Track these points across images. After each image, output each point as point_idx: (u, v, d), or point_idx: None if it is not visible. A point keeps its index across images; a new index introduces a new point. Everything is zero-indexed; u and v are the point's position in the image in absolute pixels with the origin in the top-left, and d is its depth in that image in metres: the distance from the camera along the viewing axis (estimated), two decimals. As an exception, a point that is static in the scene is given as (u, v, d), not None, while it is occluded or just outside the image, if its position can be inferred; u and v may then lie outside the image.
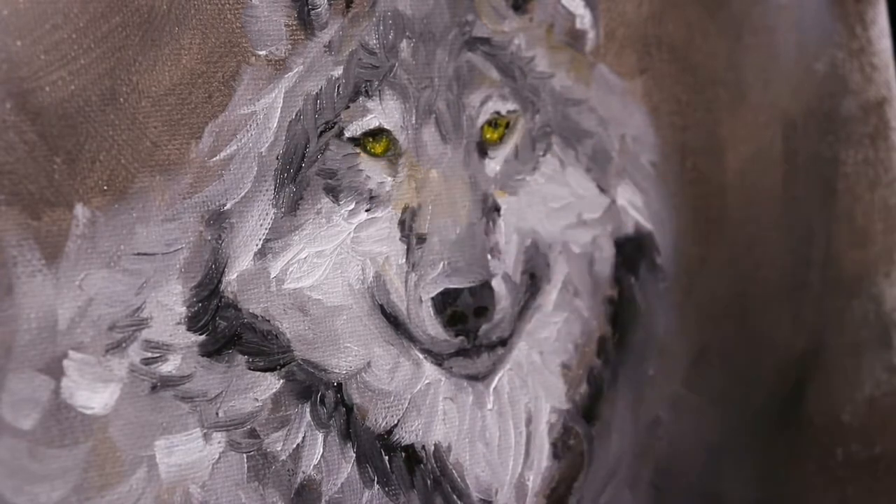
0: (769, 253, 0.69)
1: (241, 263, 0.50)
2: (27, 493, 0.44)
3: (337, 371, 0.52)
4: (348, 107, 0.53)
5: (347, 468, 0.52)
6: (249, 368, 0.50)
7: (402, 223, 0.55)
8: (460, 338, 0.56)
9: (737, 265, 0.67)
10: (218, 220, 0.49)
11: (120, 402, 0.46)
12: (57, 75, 0.45)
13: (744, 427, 0.67)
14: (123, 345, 0.47)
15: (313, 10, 0.52)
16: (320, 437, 0.52)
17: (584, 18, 0.62)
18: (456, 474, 0.56)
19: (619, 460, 0.61)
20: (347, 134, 0.53)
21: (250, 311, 0.50)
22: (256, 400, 0.50)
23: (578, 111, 0.61)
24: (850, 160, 0.74)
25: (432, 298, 0.54)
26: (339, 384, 0.53)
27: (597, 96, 0.62)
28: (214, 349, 0.49)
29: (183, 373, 0.48)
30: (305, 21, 0.52)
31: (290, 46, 0.52)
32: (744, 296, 0.68)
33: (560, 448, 0.60)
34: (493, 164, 0.57)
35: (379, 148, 0.54)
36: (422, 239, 0.55)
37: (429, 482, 0.55)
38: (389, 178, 0.55)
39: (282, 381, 0.51)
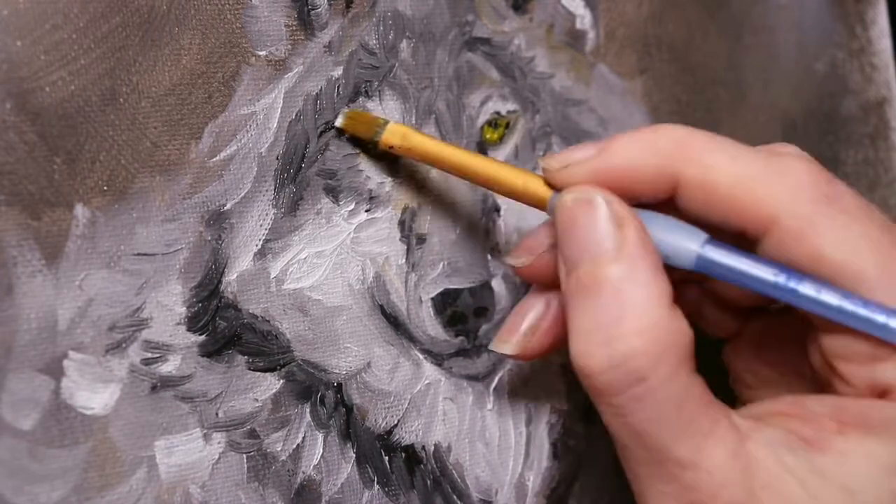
0: (769, 253, 0.69)
1: (241, 264, 0.50)
2: (27, 493, 0.44)
3: (337, 371, 0.52)
4: (348, 107, 0.53)
5: (347, 468, 0.52)
6: (249, 369, 0.50)
7: (402, 223, 0.55)
8: (460, 338, 0.56)
9: (737, 265, 0.67)
10: (218, 221, 0.49)
11: (120, 402, 0.46)
12: (57, 75, 0.45)
13: (744, 427, 0.67)
14: (123, 345, 0.47)
15: (313, 10, 0.52)
16: (320, 437, 0.52)
17: (584, 18, 0.62)
18: (456, 474, 0.56)
19: (619, 460, 0.60)
20: (348, 134, 0.53)
21: (250, 311, 0.50)
22: (256, 400, 0.50)
23: (578, 111, 0.61)
24: (850, 160, 0.74)
25: (432, 299, 0.55)
26: (339, 384, 0.53)
27: (597, 96, 0.62)
28: (214, 349, 0.49)
29: (183, 373, 0.48)
30: (305, 21, 0.52)
31: (290, 46, 0.52)
32: (744, 296, 0.68)
33: (560, 448, 0.60)
34: (493, 165, 0.57)
35: (379, 148, 0.54)
36: (422, 239, 0.55)
37: (429, 482, 0.55)
38: (389, 179, 0.55)
39: (282, 381, 0.51)
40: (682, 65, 0.66)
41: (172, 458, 0.48)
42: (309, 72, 0.52)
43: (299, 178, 0.52)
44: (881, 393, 0.45)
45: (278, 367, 0.51)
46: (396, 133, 0.51)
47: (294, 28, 0.52)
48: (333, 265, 0.53)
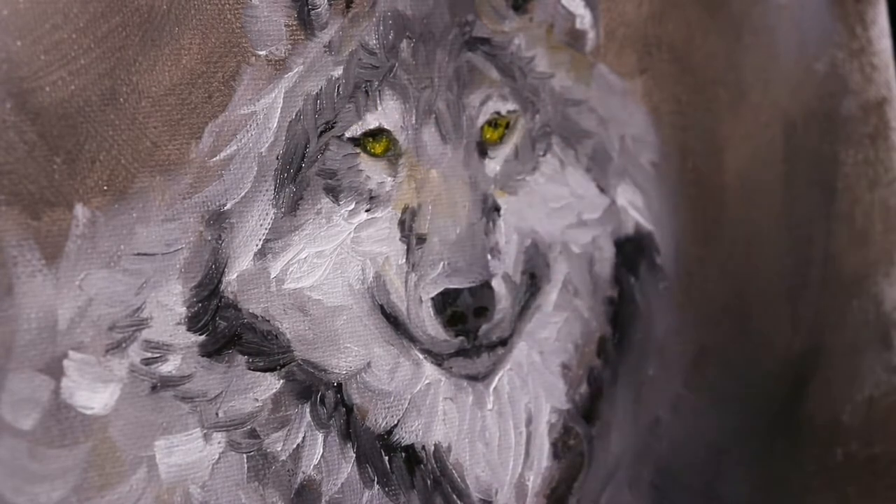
0: (769, 253, 0.69)
1: (241, 263, 0.50)
2: (27, 493, 0.44)
3: (337, 371, 0.52)
4: (348, 106, 0.53)
5: (347, 468, 0.52)
6: (249, 369, 0.50)
7: (402, 223, 0.55)
8: (460, 338, 0.56)
9: (737, 265, 0.67)
10: (218, 220, 0.49)
11: (120, 402, 0.46)
12: (57, 75, 0.45)
13: (744, 427, 0.67)
14: (123, 345, 0.47)
15: (313, 10, 0.52)
16: (320, 437, 0.52)
17: (584, 18, 0.62)
18: (456, 474, 0.56)
19: (618, 460, 0.61)
20: (347, 134, 0.53)
21: (250, 311, 0.50)
22: (256, 400, 0.50)
23: (578, 111, 0.61)
24: (850, 160, 0.74)
25: (432, 298, 0.54)
26: (339, 384, 0.53)
27: (597, 96, 0.62)
28: (214, 349, 0.49)
29: (183, 373, 0.48)
30: (305, 21, 0.52)
31: (290, 46, 0.52)
32: (743, 296, 0.68)
33: (560, 448, 0.60)
34: (493, 164, 0.57)
35: (379, 148, 0.54)
36: (422, 239, 0.55)
37: (429, 482, 0.55)
38: (389, 178, 0.55)
39: (282, 381, 0.51)
40: (682, 65, 0.66)
41: (172, 458, 0.48)
42: (309, 71, 0.52)
43: (299, 177, 0.52)
44: None
45: (278, 367, 0.51)
46: None
47: (294, 28, 0.52)
48: (333, 265, 0.53)
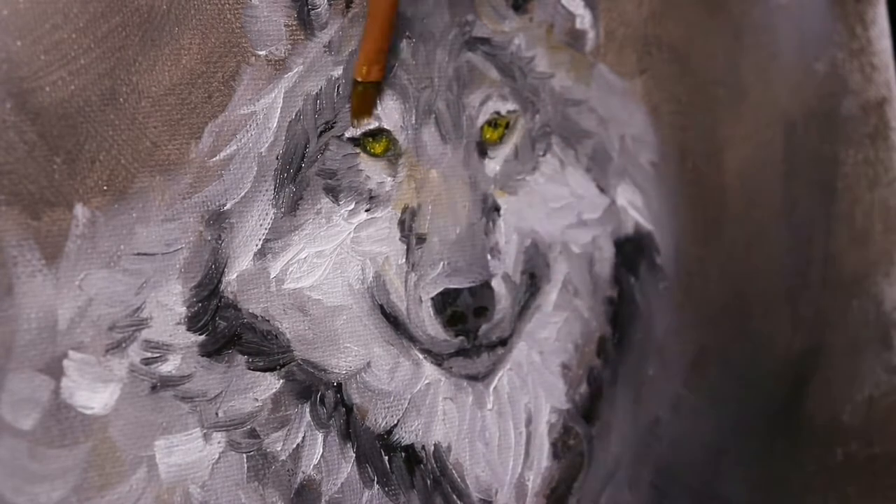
0: (769, 253, 0.69)
1: (241, 263, 0.50)
2: (27, 493, 0.44)
3: (337, 371, 0.53)
4: (348, 106, 0.53)
5: (347, 468, 0.52)
6: (249, 368, 0.50)
7: (401, 223, 0.55)
8: (460, 338, 0.56)
9: (737, 265, 0.67)
10: (218, 220, 0.49)
11: (120, 402, 0.46)
12: (57, 75, 0.45)
13: (744, 427, 0.67)
14: (123, 345, 0.47)
15: (313, 10, 0.52)
16: (320, 437, 0.52)
17: (584, 18, 0.62)
18: (456, 474, 0.56)
19: (618, 460, 0.61)
20: (347, 134, 0.53)
21: (250, 311, 0.50)
22: (256, 400, 0.50)
23: (578, 111, 0.61)
24: (850, 160, 0.74)
25: (432, 298, 0.54)
26: (339, 384, 0.53)
27: (597, 96, 0.62)
28: (214, 349, 0.49)
29: (183, 373, 0.48)
30: (305, 21, 0.52)
31: (290, 46, 0.52)
32: (743, 296, 0.68)
33: (560, 448, 0.60)
34: (493, 164, 0.57)
35: (379, 148, 0.54)
36: (422, 239, 0.55)
37: (429, 482, 0.55)
38: (389, 178, 0.55)
39: (282, 381, 0.51)
40: (682, 65, 0.66)
41: (172, 458, 0.48)
42: (309, 71, 0.52)
43: (299, 177, 0.52)
44: None
45: (278, 367, 0.51)
46: None
47: (294, 28, 0.52)
48: (333, 265, 0.53)
